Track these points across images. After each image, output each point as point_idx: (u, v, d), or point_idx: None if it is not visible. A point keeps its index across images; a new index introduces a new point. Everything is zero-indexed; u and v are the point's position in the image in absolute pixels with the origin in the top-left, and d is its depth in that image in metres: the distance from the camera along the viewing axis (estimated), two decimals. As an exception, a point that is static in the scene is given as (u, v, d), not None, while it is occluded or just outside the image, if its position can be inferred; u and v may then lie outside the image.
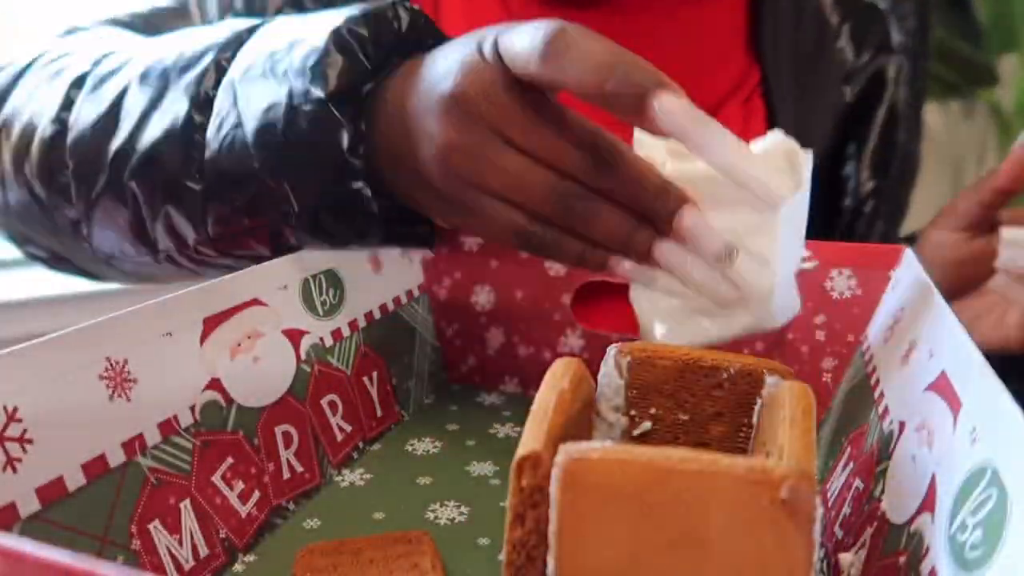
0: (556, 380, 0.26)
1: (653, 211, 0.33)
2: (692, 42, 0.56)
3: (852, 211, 0.61)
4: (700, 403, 0.29)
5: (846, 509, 0.33)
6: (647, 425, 0.28)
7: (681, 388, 0.29)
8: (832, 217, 0.62)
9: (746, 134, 0.57)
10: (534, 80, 0.32)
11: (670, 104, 0.28)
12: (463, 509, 0.36)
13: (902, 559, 0.25)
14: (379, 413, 0.44)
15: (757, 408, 0.27)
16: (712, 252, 0.32)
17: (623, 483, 0.22)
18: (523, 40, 0.31)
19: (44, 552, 0.16)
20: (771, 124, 0.57)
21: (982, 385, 0.25)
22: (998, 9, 1.49)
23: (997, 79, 1.57)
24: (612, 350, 0.29)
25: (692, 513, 0.21)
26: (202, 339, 0.33)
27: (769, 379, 0.27)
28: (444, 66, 0.34)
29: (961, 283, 0.50)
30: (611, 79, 0.29)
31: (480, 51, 0.33)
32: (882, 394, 0.35)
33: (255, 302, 0.36)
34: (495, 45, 0.33)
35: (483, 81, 0.33)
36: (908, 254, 0.42)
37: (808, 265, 0.45)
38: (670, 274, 0.34)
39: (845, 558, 0.30)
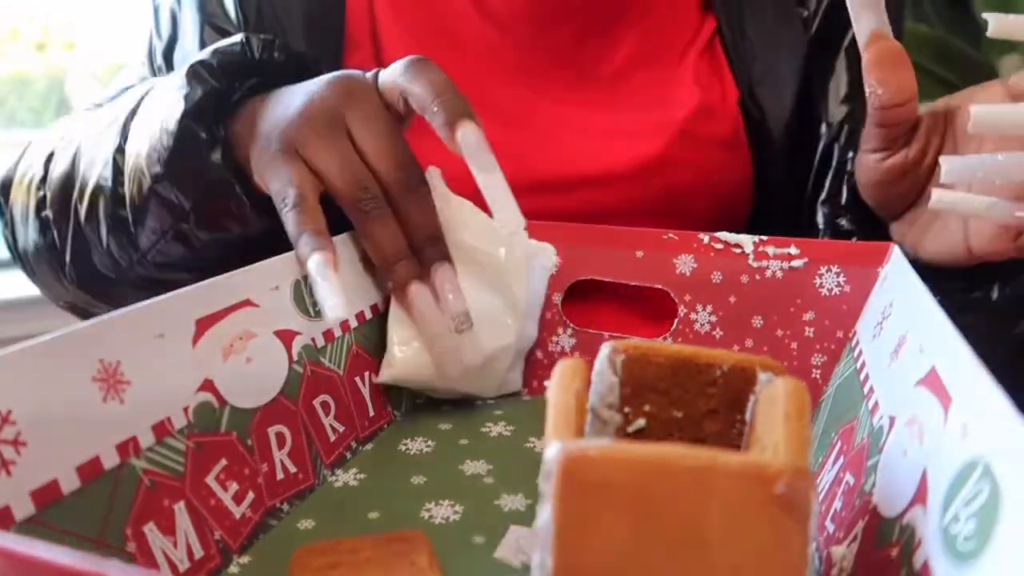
0: (568, 381, 0.26)
1: (421, 250, 0.42)
2: (644, 5, 0.58)
3: (826, 149, 0.58)
4: (694, 400, 0.30)
5: (837, 503, 0.33)
6: (641, 422, 0.28)
7: (675, 385, 0.29)
8: (805, 163, 0.59)
9: (712, 82, 0.58)
10: (392, 87, 0.41)
11: (469, 130, 0.39)
12: (457, 508, 0.36)
13: (894, 551, 0.25)
14: (371, 413, 0.44)
15: (751, 405, 0.27)
16: (450, 310, 0.41)
17: (622, 480, 0.22)
18: (395, 65, 0.42)
19: (46, 552, 0.16)
20: (733, 70, 0.58)
21: (973, 380, 0.25)
22: (998, 9, 1.48)
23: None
24: (606, 348, 0.29)
25: (690, 509, 0.21)
26: (195, 340, 0.33)
27: (762, 376, 0.27)
28: (324, 77, 0.43)
29: (889, 201, 0.46)
30: (439, 98, 0.39)
31: (362, 74, 0.43)
32: (872, 389, 0.35)
33: (247, 303, 0.36)
34: (376, 75, 0.43)
35: (358, 82, 0.42)
36: (896, 250, 0.42)
37: (797, 263, 0.45)
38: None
39: (837, 551, 0.30)
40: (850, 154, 0.55)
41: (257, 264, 0.38)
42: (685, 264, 0.47)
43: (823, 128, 0.58)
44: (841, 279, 0.44)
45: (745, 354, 0.28)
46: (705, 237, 0.47)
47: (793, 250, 0.45)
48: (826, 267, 0.45)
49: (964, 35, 1.42)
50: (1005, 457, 0.21)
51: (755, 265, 0.46)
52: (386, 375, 0.44)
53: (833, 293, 0.44)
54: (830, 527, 0.33)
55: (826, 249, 0.45)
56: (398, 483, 0.39)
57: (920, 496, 0.25)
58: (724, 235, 0.46)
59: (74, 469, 0.27)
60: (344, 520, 0.36)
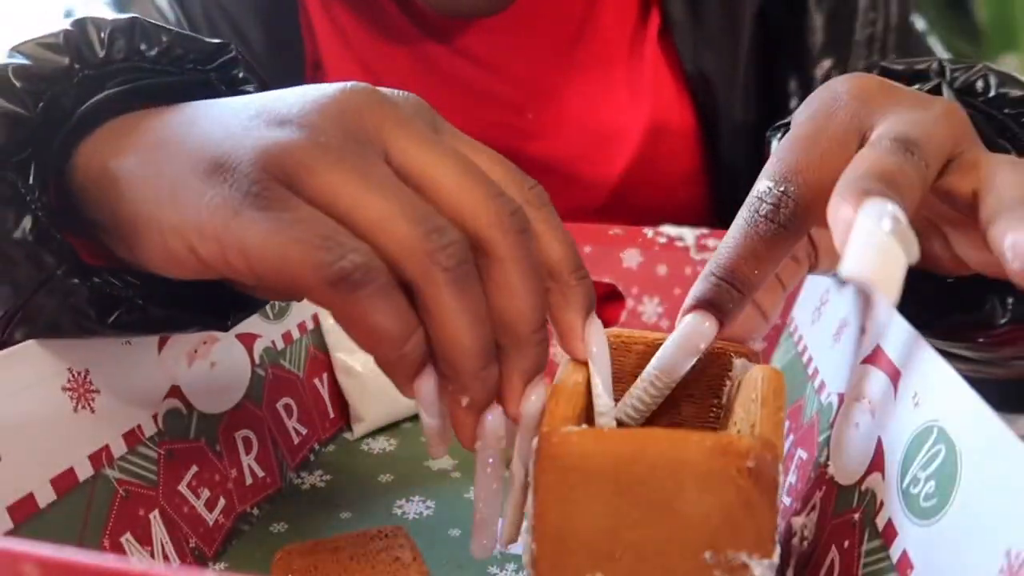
0: (569, 373, 0.27)
1: (519, 351, 0.25)
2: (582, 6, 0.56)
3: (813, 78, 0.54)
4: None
5: (791, 478, 0.35)
6: None
7: None
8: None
9: (665, 69, 0.55)
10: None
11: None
12: (429, 503, 0.37)
13: (856, 516, 0.28)
14: (331, 414, 0.44)
15: (727, 389, 0.29)
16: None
17: (601, 460, 0.23)
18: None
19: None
20: (681, 58, 0.55)
21: (919, 354, 0.27)
22: (998, 9, 1.46)
23: (997, 79, 1.62)
24: None
25: (666, 486, 0.23)
26: (160, 346, 0.32)
27: (736, 361, 0.29)
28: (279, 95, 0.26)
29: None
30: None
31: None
32: (816, 370, 0.38)
33: (209, 307, 0.36)
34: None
35: (363, 91, 0.25)
36: (827, 241, 0.45)
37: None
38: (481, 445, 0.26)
39: (797, 520, 0.32)
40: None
41: (215, 268, 0.37)
42: (631, 258, 0.49)
43: (793, 100, 0.55)
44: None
45: (720, 341, 0.29)
46: (649, 232, 0.49)
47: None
48: (763, 257, 0.47)
49: (964, 34, 1.44)
50: (958, 420, 0.23)
51: (697, 258, 0.48)
52: (361, 429, 0.44)
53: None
54: (787, 500, 0.35)
55: (763, 240, 0.47)
56: (366, 482, 0.39)
57: (877, 464, 0.27)
58: (667, 229, 0.48)
59: (48, 482, 0.26)
60: (316, 521, 0.35)
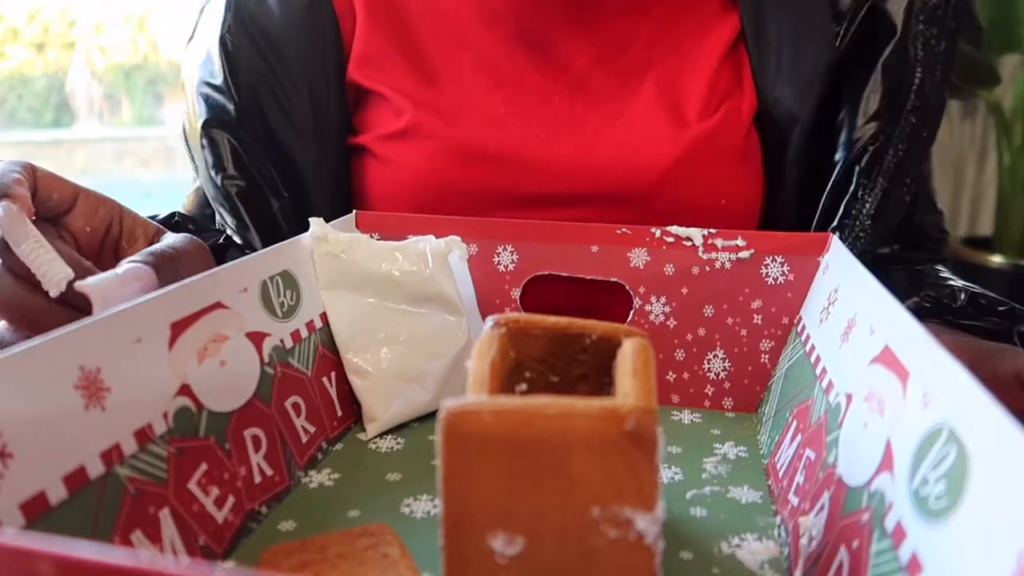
0: (485, 351, 0.30)
1: None
2: (679, 14, 0.57)
3: (845, 169, 0.54)
4: (568, 366, 0.33)
5: (799, 478, 0.35)
6: (523, 387, 0.32)
7: (552, 354, 0.33)
8: (818, 180, 0.56)
9: (731, 87, 0.56)
10: None
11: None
12: (436, 502, 0.37)
13: (865, 516, 0.28)
14: (339, 413, 0.44)
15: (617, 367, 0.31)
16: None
17: (496, 429, 0.25)
18: None
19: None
20: (755, 74, 0.55)
21: (928, 354, 0.27)
22: (998, 9, 1.45)
23: (998, 79, 1.59)
24: (489, 322, 0.32)
25: (556, 449, 0.25)
26: (170, 344, 0.32)
27: (626, 341, 0.31)
28: None
29: None
30: None
31: None
32: (824, 370, 0.38)
33: (218, 306, 0.36)
34: None
35: None
36: (835, 240, 0.45)
37: (744, 254, 0.47)
38: None
39: (805, 521, 0.32)
40: (879, 185, 0.53)
41: (224, 266, 0.37)
42: (639, 258, 0.49)
43: (840, 148, 0.55)
44: (785, 268, 0.47)
45: (613, 324, 0.32)
46: (657, 231, 0.49)
47: (740, 242, 0.48)
48: (771, 257, 0.47)
49: (964, 35, 1.42)
50: (969, 421, 0.23)
51: (705, 257, 0.48)
52: (373, 429, 0.44)
53: (778, 282, 0.47)
54: (795, 500, 0.35)
55: (770, 241, 0.47)
56: (374, 481, 0.39)
57: (886, 464, 0.27)
58: (675, 229, 0.48)
59: (60, 479, 0.26)
60: (324, 520, 0.36)
